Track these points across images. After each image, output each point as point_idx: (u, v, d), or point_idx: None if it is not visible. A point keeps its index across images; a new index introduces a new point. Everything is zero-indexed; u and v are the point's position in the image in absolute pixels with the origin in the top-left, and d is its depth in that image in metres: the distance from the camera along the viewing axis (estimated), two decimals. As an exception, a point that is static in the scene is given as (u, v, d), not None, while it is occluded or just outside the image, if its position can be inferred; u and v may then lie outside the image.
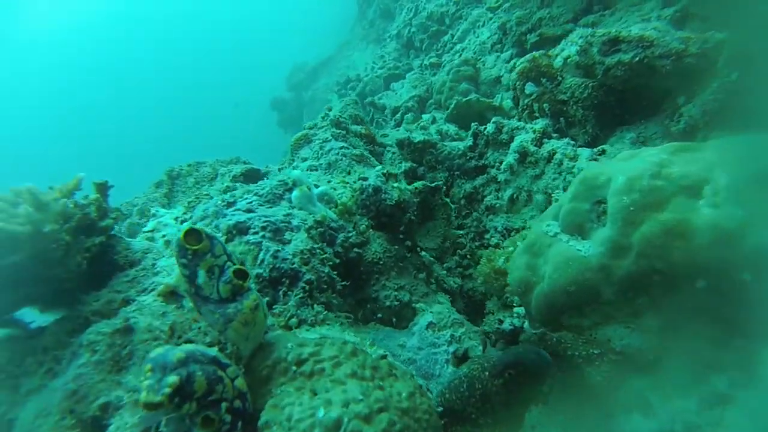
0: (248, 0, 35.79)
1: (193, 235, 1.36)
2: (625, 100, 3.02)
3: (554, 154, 3.04)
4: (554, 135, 3.19)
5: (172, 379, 1.10)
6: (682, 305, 1.43)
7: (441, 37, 6.87)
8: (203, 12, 38.31)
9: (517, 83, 3.38)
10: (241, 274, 1.40)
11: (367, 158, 3.47)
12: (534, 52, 3.42)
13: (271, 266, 1.67)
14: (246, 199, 2.04)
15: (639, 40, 2.67)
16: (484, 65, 5.28)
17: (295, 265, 1.70)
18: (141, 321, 1.43)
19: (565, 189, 3.00)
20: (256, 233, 1.78)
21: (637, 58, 2.65)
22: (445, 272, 2.96)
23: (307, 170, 3.27)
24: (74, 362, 1.62)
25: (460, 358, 2.05)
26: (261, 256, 1.70)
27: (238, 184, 3.37)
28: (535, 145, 3.14)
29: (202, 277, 1.37)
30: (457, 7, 6.94)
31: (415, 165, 3.20)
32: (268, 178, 3.93)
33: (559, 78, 3.22)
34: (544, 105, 3.24)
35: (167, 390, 1.08)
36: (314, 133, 3.64)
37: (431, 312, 2.22)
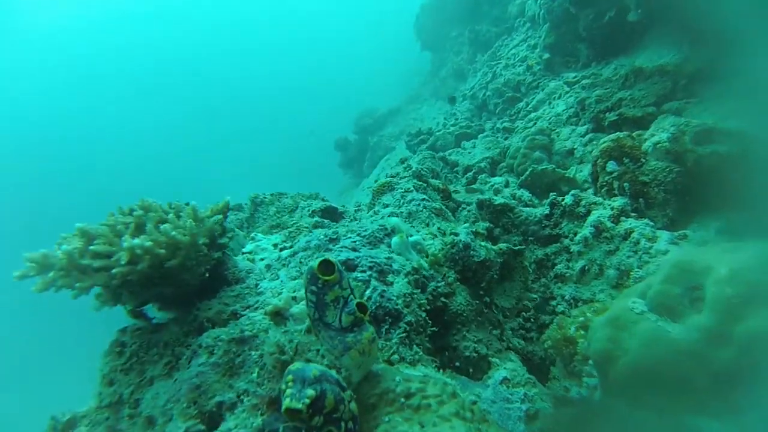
0: (323, 40, 38.70)
1: (325, 265, 1.58)
2: (712, 187, 3.07)
3: (631, 232, 3.11)
4: (632, 214, 3.26)
5: (310, 392, 1.28)
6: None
7: (515, 104, 7.17)
8: (275, 46, 41.64)
9: (599, 160, 3.51)
10: (363, 308, 1.59)
11: (445, 212, 3.67)
12: (619, 133, 3.56)
13: (377, 304, 1.85)
14: (350, 238, 2.27)
15: (737, 135, 2.76)
16: (558, 136, 5.46)
17: (398, 306, 1.87)
18: (270, 337, 1.64)
19: (640, 267, 3.04)
20: (363, 271, 1.99)
21: (734, 153, 2.74)
22: (510, 332, 3.03)
23: (389, 216, 3.50)
24: (195, 360, 1.85)
25: (532, 417, 2.10)
26: (368, 293, 1.90)
27: (326, 221, 3.66)
28: (612, 222, 3.22)
29: (328, 305, 1.57)
30: (534, 77, 7.27)
31: (492, 226, 3.35)
32: (344, 217, 4.22)
33: (643, 160, 3.32)
34: (625, 184, 3.34)
35: (307, 400, 1.26)
36: (397, 182, 3.91)
37: (505, 368, 2.30)
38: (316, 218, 3.98)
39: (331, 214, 4.18)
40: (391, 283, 2.01)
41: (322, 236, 2.34)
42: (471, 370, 2.23)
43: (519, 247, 2.88)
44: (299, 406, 1.25)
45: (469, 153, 6.03)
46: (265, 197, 4.43)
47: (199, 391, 1.70)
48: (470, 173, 5.47)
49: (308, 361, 1.58)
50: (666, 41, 5.91)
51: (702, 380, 1.61)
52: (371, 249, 2.25)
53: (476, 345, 2.28)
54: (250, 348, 1.79)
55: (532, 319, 3.28)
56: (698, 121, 2.99)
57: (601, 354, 1.96)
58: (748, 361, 1.52)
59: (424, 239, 2.63)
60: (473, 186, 5.01)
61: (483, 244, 2.58)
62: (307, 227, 2.63)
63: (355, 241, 2.24)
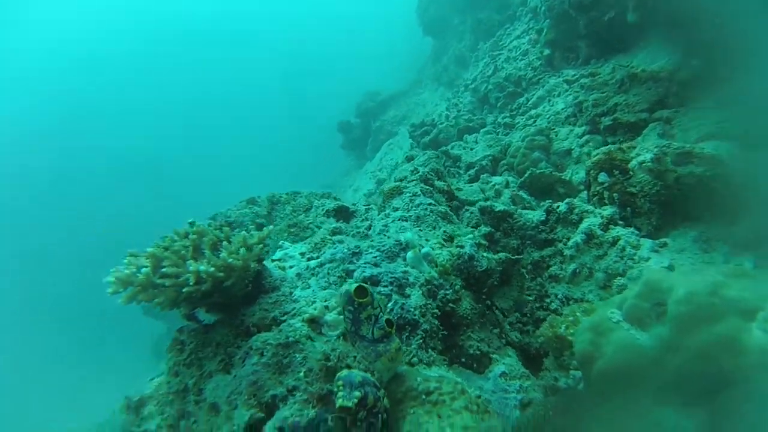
0: (325, 22, 38.29)
1: (360, 289, 1.95)
2: (690, 200, 3.43)
3: (618, 240, 3.48)
4: (620, 222, 3.63)
5: (357, 393, 1.67)
6: (724, 405, 1.86)
7: (516, 98, 7.43)
8: (278, 32, 41.25)
9: (592, 171, 3.85)
10: (390, 323, 1.97)
11: (450, 216, 4.03)
12: (610, 146, 3.89)
13: (398, 315, 2.23)
14: (371, 253, 2.63)
15: (710, 159, 3.10)
16: (556, 135, 5.76)
17: (416, 317, 2.25)
18: (317, 346, 2.02)
19: (624, 273, 3.43)
20: (385, 286, 2.36)
21: (707, 174, 3.09)
22: (508, 327, 3.44)
23: (398, 220, 3.85)
24: (248, 360, 2.23)
25: (525, 405, 2.53)
26: (390, 305, 2.27)
27: (343, 225, 4.01)
28: (602, 229, 3.59)
29: (362, 321, 1.95)
30: (534, 73, 7.50)
31: (493, 230, 3.71)
32: (355, 216, 4.56)
33: (631, 173, 3.67)
34: (614, 194, 3.69)
35: (355, 400, 1.65)
36: (405, 185, 4.24)
37: (504, 363, 2.71)
38: (332, 219, 4.33)
39: (344, 214, 4.53)
40: (409, 296, 2.39)
41: (345, 250, 2.70)
42: (475, 365, 2.64)
43: (516, 256, 3.25)
44: (350, 404, 1.65)
45: (472, 149, 6.33)
46: (281, 196, 4.76)
47: (256, 386, 2.09)
48: (472, 170, 5.80)
49: (348, 366, 1.96)
50: (664, 41, 6.15)
51: (660, 380, 2.01)
52: (390, 263, 2.61)
53: (479, 344, 2.68)
54: (294, 351, 2.17)
55: (528, 314, 3.69)
56: (678, 143, 3.32)
57: (584, 355, 2.36)
58: (693, 366, 1.91)
59: (433, 249, 2.99)
60: (475, 184, 5.36)
61: (485, 254, 2.94)
62: (330, 239, 2.98)
63: (375, 257, 2.60)
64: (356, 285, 1.92)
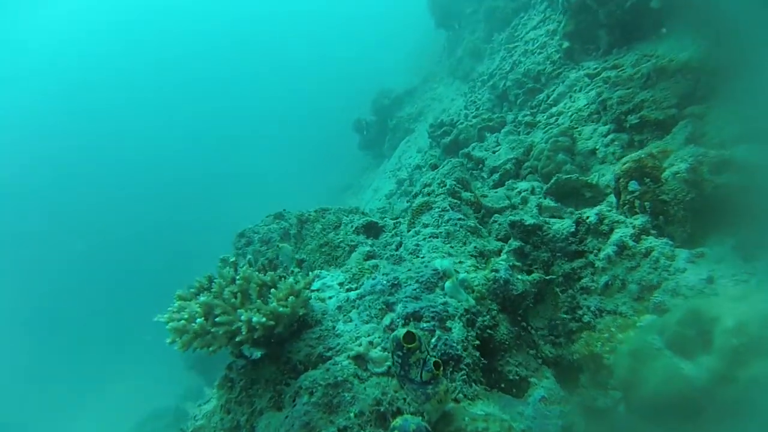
0: (335, 19, 38.15)
1: (409, 336, 2.01)
2: (727, 207, 3.37)
3: (651, 251, 3.46)
4: (652, 232, 3.59)
5: (412, 441, 1.74)
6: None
7: (536, 95, 7.32)
8: (288, 28, 41.33)
9: (621, 179, 3.81)
10: (437, 366, 2.03)
11: (479, 230, 4.05)
12: (640, 152, 3.83)
13: (442, 351, 2.29)
14: (411, 285, 2.69)
15: (749, 165, 3.04)
16: (580, 135, 5.68)
17: (458, 351, 2.31)
18: (367, 390, 2.10)
19: (659, 284, 3.40)
20: (427, 321, 2.42)
21: (745, 182, 3.03)
22: (541, 341, 3.47)
23: (430, 237, 3.89)
24: (299, 399, 2.33)
25: (567, 430, 2.58)
26: (433, 341, 2.33)
27: (372, 243, 4.07)
28: (634, 240, 3.57)
29: (411, 365, 2.01)
30: (554, 67, 7.36)
31: (522, 244, 3.73)
32: (384, 231, 4.62)
33: (663, 180, 3.61)
34: (646, 203, 3.65)
35: (410, 448, 1.72)
36: (433, 200, 4.27)
37: (542, 387, 2.76)
38: (362, 236, 4.40)
39: (373, 230, 4.59)
40: (450, 329, 2.44)
41: (384, 282, 2.76)
42: (514, 390, 2.69)
43: (550, 276, 3.27)
44: (405, 454, 1.72)
45: (494, 151, 6.30)
46: (309, 215, 4.85)
47: (309, 427, 2.19)
48: (496, 174, 5.78)
49: (398, 409, 2.04)
50: (690, 28, 5.94)
51: (709, 412, 2.03)
52: (429, 293, 2.67)
53: (517, 369, 2.73)
54: (342, 390, 2.26)
55: (560, 326, 3.71)
56: (715, 152, 3.25)
57: (625, 381, 2.39)
58: (748, 400, 1.92)
59: (467, 272, 3.04)
60: (500, 189, 5.35)
61: (520, 277, 2.97)
62: (367, 269, 3.05)
63: (415, 289, 2.66)
64: (405, 331, 1.98)
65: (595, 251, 3.77)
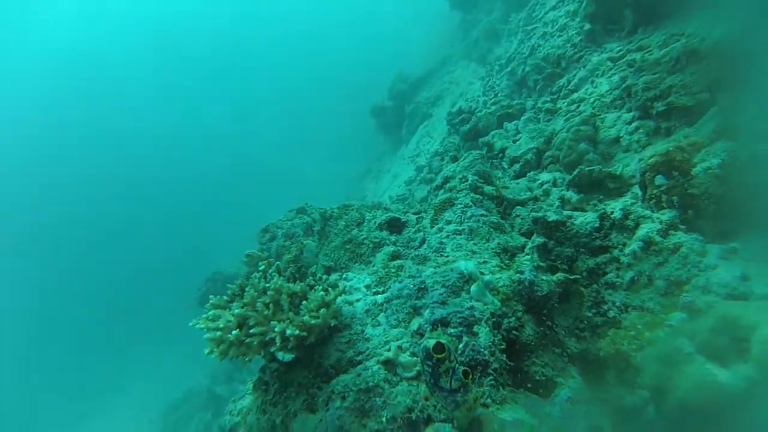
0: (351, 4, 37.67)
1: (438, 346, 2.05)
2: (762, 203, 3.27)
3: (680, 247, 3.40)
4: (681, 227, 3.53)
5: (445, 451, 1.80)
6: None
7: (556, 80, 7.14)
8: (303, 13, 41.01)
9: (647, 173, 3.73)
10: (466, 374, 2.07)
11: (502, 225, 4.05)
12: (668, 145, 3.73)
13: (470, 357, 2.33)
14: (437, 290, 2.73)
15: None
16: (602, 123, 5.54)
17: (486, 357, 2.35)
18: (400, 400, 2.16)
19: (688, 281, 3.35)
20: (455, 327, 2.46)
21: (778, 179, 2.94)
22: (567, 338, 3.48)
23: (453, 234, 3.90)
24: (332, 404, 2.42)
25: (593, 430, 2.61)
26: (461, 347, 2.37)
27: (397, 241, 4.11)
28: (661, 236, 3.51)
29: (441, 374, 2.06)
30: (574, 50, 7.15)
31: (546, 240, 3.71)
32: (407, 226, 4.64)
33: (693, 175, 3.53)
34: (674, 198, 3.57)
35: (444, 459, 1.78)
36: (455, 196, 4.27)
37: (568, 387, 2.78)
38: (385, 232, 4.43)
39: (396, 225, 4.62)
40: (477, 334, 2.48)
41: (411, 286, 2.80)
42: (541, 390, 2.72)
43: (575, 276, 3.26)
44: (438, 464, 1.78)
45: (514, 140, 6.21)
46: (332, 211, 4.90)
47: (343, 430, 2.28)
48: (517, 165, 5.71)
49: (429, 416, 2.10)
50: (723, 2, 5.65)
51: (743, 420, 2.03)
52: (455, 297, 2.70)
53: (543, 369, 2.75)
54: (374, 395, 2.33)
55: (585, 321, 3.71)
56: (748, 148, 3.15)
57: (653, 387, 2.39)
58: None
59: (492, 273, 3.05)
60: (522, 180, 5.30)
61: (545, 278, 2.97)
62: (393, 271, 3.09)
63: (441, 293, 2.69)
64: (434, 342, 2.03)
65: (620, 246, 3.72)
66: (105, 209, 34.22)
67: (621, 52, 6.30)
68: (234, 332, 2.22)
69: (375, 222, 4.57)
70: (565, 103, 6.50)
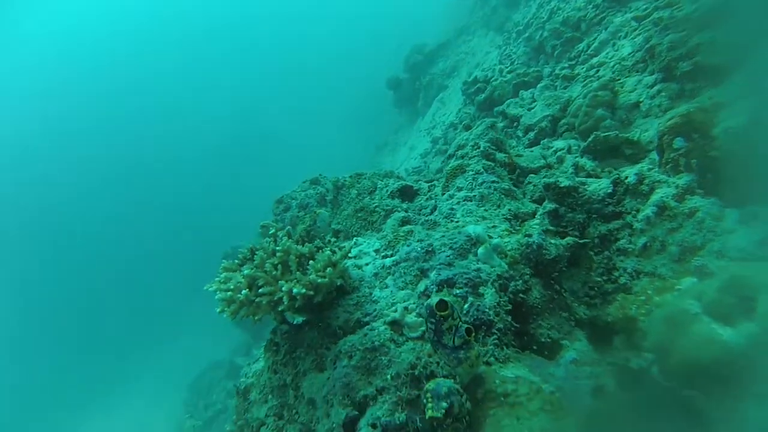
0: None
1: (441, 304, 2.09)
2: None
3: (696, 212, 3.32)
4: (698, 191, 3.43)
5: (444, 404, 1.86)
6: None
7: (575, 45, 6.87)
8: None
9: (665, 137, 3.61)
10: (469, 332, 2.11)
11: (513, 192, 4.01)
12: (689, 107, 3.59)
13: (474, 317, 2.37)
14: (444, 252, 2.75)
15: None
16: (622, 87, 5.34)
17: (490, 317, 2.38)
18: (404, 357, 2.22)
19: (703, 246, 3.28)
20: (461, 288, 2.49)
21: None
22: (576, 304, 3.48)
23: (464, 200, 3.88)
24: (339, 363, 2.50)
25: (597, 391, 2.64)
26: (466, 307, 2.41)
27: (407, 207, 4.12)
28: (676, 200, 3.43)
29: (444, 332, 2.10)
30: (596, 11, 6.83)
31: (557, 206, 3.66)
32: (419, 194, 4.64)
33: (714, 136, 3.40)
34: (693, 161, 3.46)
35: (443, 410, 1.84)
36: (467, 163, 4.23)
37: (574, 349, 2.80)
38: (397, 200, 4.45)
39: (408, 193, 4.64)
40: (483, 295, 2.51)
41: (419, 249, 2.83)
42: (546, 352, 2.75)
43: (584, 240, 3.22)
44: (439, 414, 1.85)
45: (529, 108, 6.06)
46: (345, 180, 4.93)
47: (349, 387, 2.36)
48: (531, 133, 5.60)
49: (432, 373, 2.16)
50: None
51: (746, 376, 2.02)
52: (462, 260, 2.72)
53: (549, 332, 2.78)
54: (380, 354, 2.40)
55: (596, 288, 3.69)
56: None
57: (658, 347, 2.39)
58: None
59: (501, 237, 3.05)
60: (536, 149, 5.20)
61: (553, 242, 2.96)
62: (401, 235, 3.12)
63: (448, 255, 2.72)
64: (437, 299, 2.06)
65: (634, 212, 3.65)
66: (121, 190, 35.12)
67: (647, 10, 5.98)
68: (244, 292, 2.30)
69: (387, 190, 4.59)
70: (584, 69, 6.27)
